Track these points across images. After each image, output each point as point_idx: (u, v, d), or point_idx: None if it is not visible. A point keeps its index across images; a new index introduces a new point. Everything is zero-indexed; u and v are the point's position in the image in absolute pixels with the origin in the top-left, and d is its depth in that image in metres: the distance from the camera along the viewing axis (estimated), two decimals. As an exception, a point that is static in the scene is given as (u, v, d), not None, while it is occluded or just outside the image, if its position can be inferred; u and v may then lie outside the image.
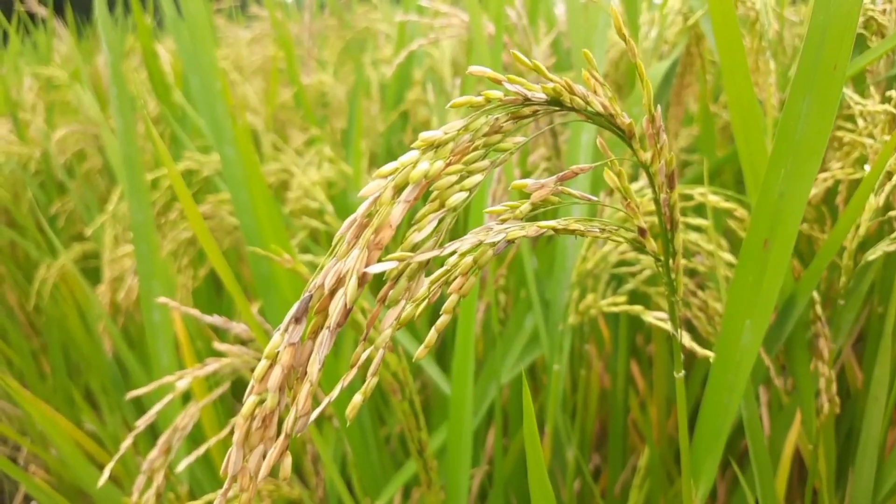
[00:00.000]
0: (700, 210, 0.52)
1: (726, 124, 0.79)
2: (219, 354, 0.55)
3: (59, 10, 1.59)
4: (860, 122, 0.51)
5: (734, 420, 0.35)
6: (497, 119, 0.22)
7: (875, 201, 0.40)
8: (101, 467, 0.59)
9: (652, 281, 0.58)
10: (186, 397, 0.72)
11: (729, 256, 0.44)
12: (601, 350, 0.69)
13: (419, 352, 0.23)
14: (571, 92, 0.23)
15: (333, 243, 0.21)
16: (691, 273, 0.60)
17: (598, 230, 0.25)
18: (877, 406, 0.44)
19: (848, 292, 0.43)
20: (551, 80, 0.23)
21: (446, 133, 0.21)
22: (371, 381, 0.21)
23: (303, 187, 0.68)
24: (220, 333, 0.78)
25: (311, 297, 0.21)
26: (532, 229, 0.23)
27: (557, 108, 0.23)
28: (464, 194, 0.21)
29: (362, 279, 0.20)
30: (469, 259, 0.23)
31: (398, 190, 0.21)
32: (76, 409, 0.98)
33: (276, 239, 0.49)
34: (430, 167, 0.20)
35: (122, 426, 0.88)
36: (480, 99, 0.21)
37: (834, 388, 0.44)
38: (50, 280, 0.93)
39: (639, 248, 0.27)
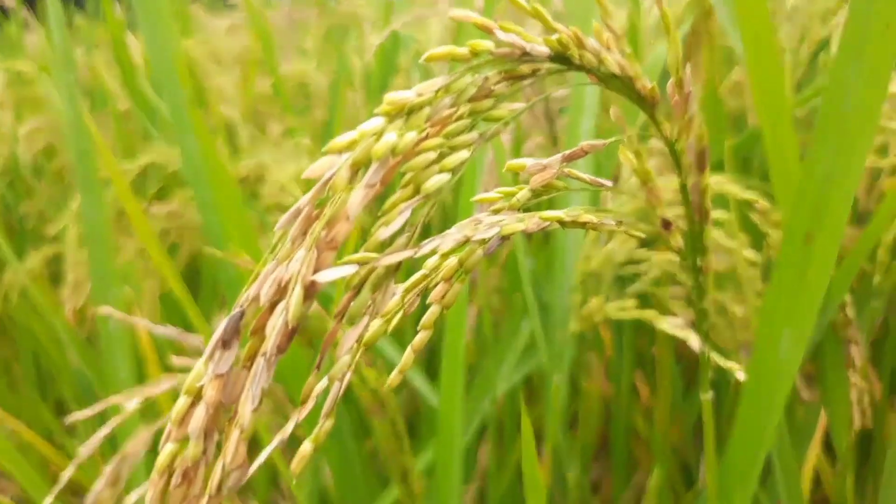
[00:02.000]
0: (713, 201, 0.48)
1: (730, 111, 0.75)
2: (178, 370, 0.50)
3: (31, 3, 1.53)
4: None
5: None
6: (487, 79, 0.17)
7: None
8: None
9: (657, 282, 0.53)
10: (154, 411, 0.67)
11: (751, 254, 0.39)
12: (601, 356, 0.65)
13: (391, 378, 0.18)
14: (581, 46, 0.18)
15: (273, 242, 0.16)
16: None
17: (613, 223, 0.20)
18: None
19: (882, 292, 0.39)
20: (556, 31, 0.18)
21: (420, 94, 0.16)
22: (325, 425, 0.16)
23: (278, 183, 0.63)
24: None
25: (242, 313, 0.16)
26: (533, 222, 0.18)
27: (563, 67, 0.18)
28: (445, 176, 0.16)
29: (310, 289, 0.15)
30: (454, 260, 0.18)
31: (357, 169, 0.16)
32: (46, 421, 0.93)
33: (241, 238, 0.44)
34: (398, 139, 0.15)
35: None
36: (465, 51, 0.16)
37: (867, 399, 0.39)
38: (16, 286, 0.88)
39: (656, 242, 0.22)
